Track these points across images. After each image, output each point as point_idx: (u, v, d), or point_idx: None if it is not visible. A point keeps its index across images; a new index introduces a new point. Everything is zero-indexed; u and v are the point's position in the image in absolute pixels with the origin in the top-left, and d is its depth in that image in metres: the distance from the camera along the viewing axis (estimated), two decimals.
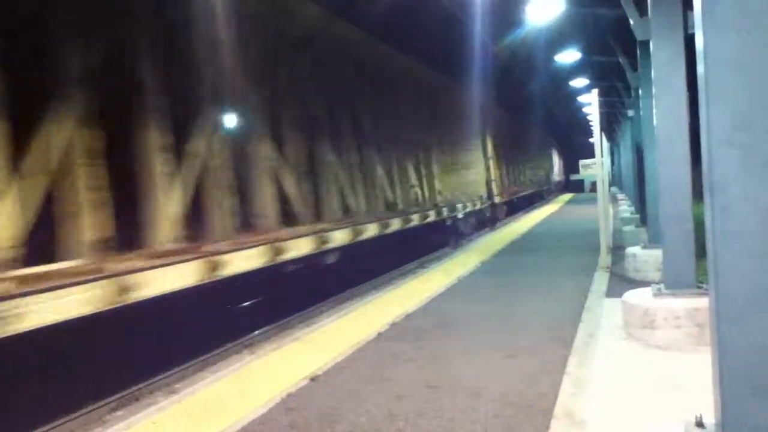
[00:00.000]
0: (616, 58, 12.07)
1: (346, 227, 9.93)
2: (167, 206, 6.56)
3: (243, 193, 8.14)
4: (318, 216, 9.94)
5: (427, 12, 12.37)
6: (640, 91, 9.65)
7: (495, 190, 21.17)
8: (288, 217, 8.92)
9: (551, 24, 12.58)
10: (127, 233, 6.09)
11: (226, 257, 6.75)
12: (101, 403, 5.40)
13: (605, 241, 9.95)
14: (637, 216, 14.36)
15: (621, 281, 8.29)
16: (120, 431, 4.20)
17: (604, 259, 9.74)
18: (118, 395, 5.56)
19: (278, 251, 7.79)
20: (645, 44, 6.73)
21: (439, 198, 16.12)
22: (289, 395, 4.64)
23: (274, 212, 8.53)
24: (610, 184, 24.70)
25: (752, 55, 2.16)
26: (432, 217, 14.43)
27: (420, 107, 15.66)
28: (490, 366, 5.06)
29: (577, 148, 52.45)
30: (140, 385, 5.80)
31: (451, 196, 17.01)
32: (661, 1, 5.49)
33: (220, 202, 7.50)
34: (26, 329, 4.41)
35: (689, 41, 5.28)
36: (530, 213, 26.31)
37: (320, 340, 6.32)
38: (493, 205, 20.81)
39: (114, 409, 5.25)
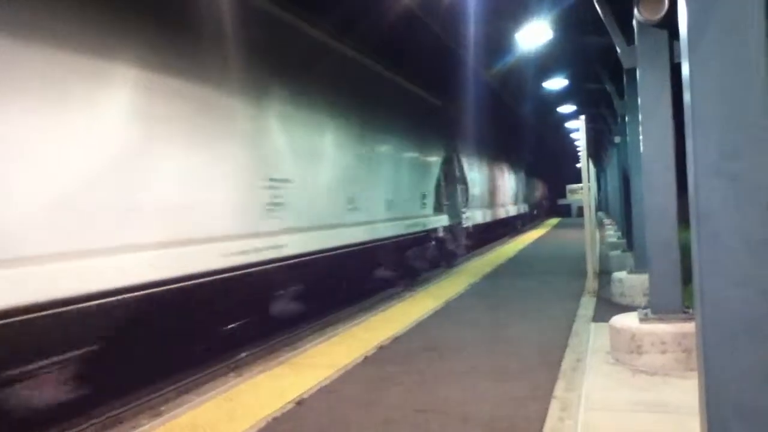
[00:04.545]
0: (604, 86, 12.24)
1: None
2: None
3: None
4: None
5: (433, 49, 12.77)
6: (626, 118, 9.78)
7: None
8: None
9: (539, 51, 12.76)
10: None
11: None
12: (84, 425, 5.31)
13: (592, 265, 10.00)
14: (624, 241, 14.46)
15: (608, 306, 8.32)
16: None
17: (591, 283, 9.78)
18: (102, 417, 5.47)
19: None
20: (632, 72, 6.83)
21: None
22: (275, 419, 4.59)
23: None
24: (597, 209, 24.91)
25: (737, 86, 2.20)
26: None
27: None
28: (478, 390, 5.04)
29: (564, 173, 52.89)
30: (123, 409, 5.72)
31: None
32: (647, 30, 5.59)
33: None
34: None
35: (675, 69, 5.39)
36: (517, 237, 26.37)
37: (307, 363, 6.28)
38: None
39: None
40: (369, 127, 10.90)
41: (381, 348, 6.71)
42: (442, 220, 15.06)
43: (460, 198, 16.80)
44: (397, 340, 7.10)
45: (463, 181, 17.49)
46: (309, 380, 5.53)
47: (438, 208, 14.94)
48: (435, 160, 15.08)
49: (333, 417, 4.59)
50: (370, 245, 10.33)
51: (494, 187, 23.76)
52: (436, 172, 15.04)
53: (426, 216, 13.82)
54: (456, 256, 16.42)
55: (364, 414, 4.62)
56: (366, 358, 6.32)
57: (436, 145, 15.34)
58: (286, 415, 4.69)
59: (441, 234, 14.87)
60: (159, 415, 4.95)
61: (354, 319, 8.60)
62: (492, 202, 23.31)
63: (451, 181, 16.15)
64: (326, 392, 5.22)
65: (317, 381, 5.50)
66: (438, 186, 15.00)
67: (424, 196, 13.76)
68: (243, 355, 7.50)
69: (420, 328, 7.75)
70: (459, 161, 17.26)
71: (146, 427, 4.60)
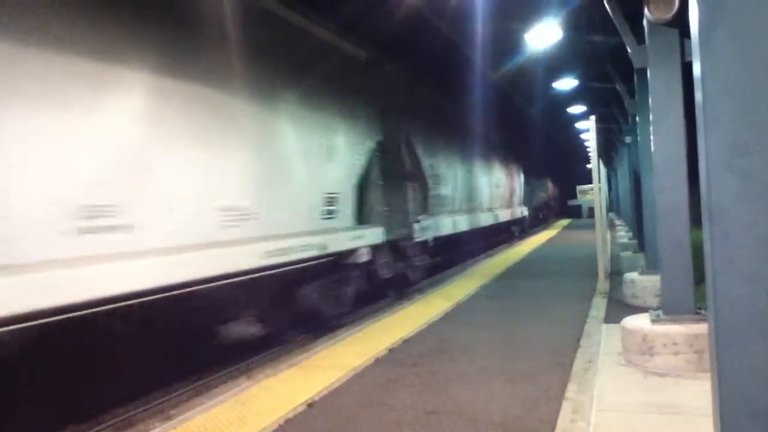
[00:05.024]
0: (614, 86, 12.19)
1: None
2: None
3: None
4: None
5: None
6: (637, 118, 9.72)
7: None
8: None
9: (549, 52, 12.73)
10: None
11: None
12: (95, 428, 5.34)
13: (603, 266, 9.95)
14: (635, 241, 14.38)
15: (619, 307, 8.27)
16: None
17: (602, 284, 9.73)
18: (112, 421, 5.50)
19: None
20: (642, 72, 6.79)
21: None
22: (287, 421, 4.60)
23: None
24: (608, 210, 24.42)
25: (749, 83, 2.19)
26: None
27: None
28: (489, 391, 5.03)
29: (574, 174, 52.73)
30: (135, 411, 5.75)
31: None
32: (657, 29, 5.56)
33: None
34: None
35: (686, 68, 5.36)
36: (528, 238, 26.28)
37: (318, 365, 6.28)
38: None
39: None
40: (177, 69, 5.97)
41: (392, 350, 6.70)
42: (370, 236, 10.06)
43: (411, 201, 12.19)
44: (407, 342, 7.09)
45: (419, 177, 13.00)
46: (320, 382, 5.54)
47: (365, 218, 10.13)
48: (358, 143, 10.13)
49: (344, 419, 4.58)
50: (184, 291, 5.79)
51: (476, 187, 19.02)
52: (359, 163, 10.11)
53: (334, 231, 8.93)
54: (409, 282, 12.15)
55: (375, 415, 4.61)
56: (377, 359, 6.31)
57: (361, 123, 10.32)
58: (298, 417, 4.70)
59: (366, 257, 9.82)
60: (170, 418, 4.97)
61: (365, 321, 8.59)
62: (473, 206, 18.29)
63: (394, 178, 11.38)
64: (337, 394, 5.22)
65: (329, 383, 5.50)
66: (363, 184, 10.15)
67: (329, 201, 8.92)
68: (254, 358, 7.52)
69: (431, 329, 7.74)
70: (412, 151, 12.68)
71: (157, 430, 4.62)
